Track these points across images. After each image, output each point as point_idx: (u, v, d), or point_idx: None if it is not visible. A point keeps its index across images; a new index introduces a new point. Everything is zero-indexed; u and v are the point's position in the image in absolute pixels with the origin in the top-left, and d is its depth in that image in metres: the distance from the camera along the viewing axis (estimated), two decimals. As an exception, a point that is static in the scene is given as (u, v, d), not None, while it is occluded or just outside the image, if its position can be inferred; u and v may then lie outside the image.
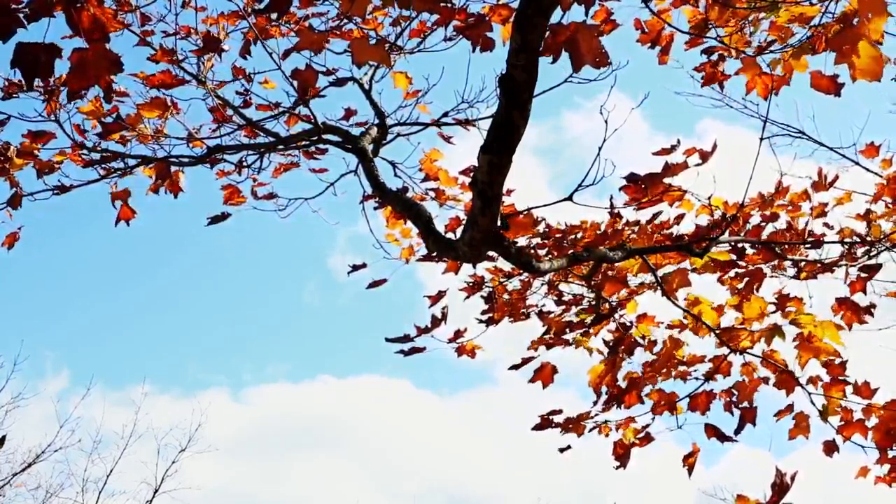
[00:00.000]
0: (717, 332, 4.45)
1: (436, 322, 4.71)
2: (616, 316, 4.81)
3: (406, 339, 4.67)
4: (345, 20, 4.53)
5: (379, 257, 5.13)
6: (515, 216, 3.85)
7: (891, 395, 4.23)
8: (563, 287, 4.95)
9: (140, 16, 4.42)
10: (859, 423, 4.22)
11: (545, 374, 4.80)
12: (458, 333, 4.83)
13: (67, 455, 17.54)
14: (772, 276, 4.82)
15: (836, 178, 4.94)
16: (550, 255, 4.53)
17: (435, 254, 4.43)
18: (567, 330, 4.86)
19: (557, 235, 4.68)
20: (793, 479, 3.25)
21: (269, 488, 21.24)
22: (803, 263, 4.78)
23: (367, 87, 4.71)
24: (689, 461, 4.36)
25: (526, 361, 4.80)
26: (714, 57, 4.09)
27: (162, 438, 15.77)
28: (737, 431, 4.40)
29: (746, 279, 4.61)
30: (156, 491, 15.10)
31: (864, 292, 4.71)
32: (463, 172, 5.02)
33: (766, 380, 4.44)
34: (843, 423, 4.23)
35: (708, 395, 4.47)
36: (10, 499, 14.02)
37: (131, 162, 4.34)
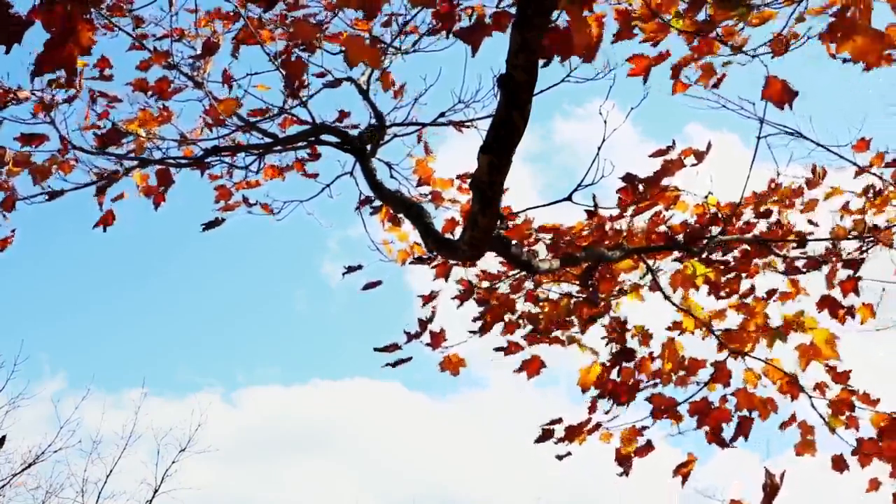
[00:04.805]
0: (718, 333, 4.45)
1: (423, 325, 4.69)
2: (611, 313, 4.81)
3: (394, 347, 4.64)
4: (334, 17, 4.49)
5: (372, 261, 5.10)
6: (513, 216, 3.86)
7: (890, 399, 4.20)
8: (553, 287, 4.93)
9: (134, 19, 4.41)
10: (873, 441, 4.15)
11: (532, 367, 4.79)
12: (437, 337, 4.74)
13: (67, 456, 17.34)
14: (763, 271, 4.84)
15: (825, 172, 4.98)
16: (548, 256, 4.53)
17: (434, 254, 4.43)
18: (558, 330, 4.84)
19: (552, 236, 4.67)
20: (782, 478, 3.26)
21: (265, 490, 21.19)
22: (796, 260, 4.81)
23: (364, 87, 4.70)
24: (683, 471, 4.33)
25: (514, 348, 4.78)
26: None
27: (162, 439, 15.71)
28: (732, 439, 4.38)
29: (734, 273, 4.62)
30: (156, 491, 15.04)
31: (857, 293, 4.72)
32: (460, 178, 5.00)
33: (769, 400, 4.40)
34: (856, 440, 4.15)
35: (708, 403, 4.44)
36: (10, 499, 13.94)
37: (128, 164, 4.32)
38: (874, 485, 4.35)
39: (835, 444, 4.26)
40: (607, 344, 4.71)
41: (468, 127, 5.02)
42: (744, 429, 4.37)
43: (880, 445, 4.09)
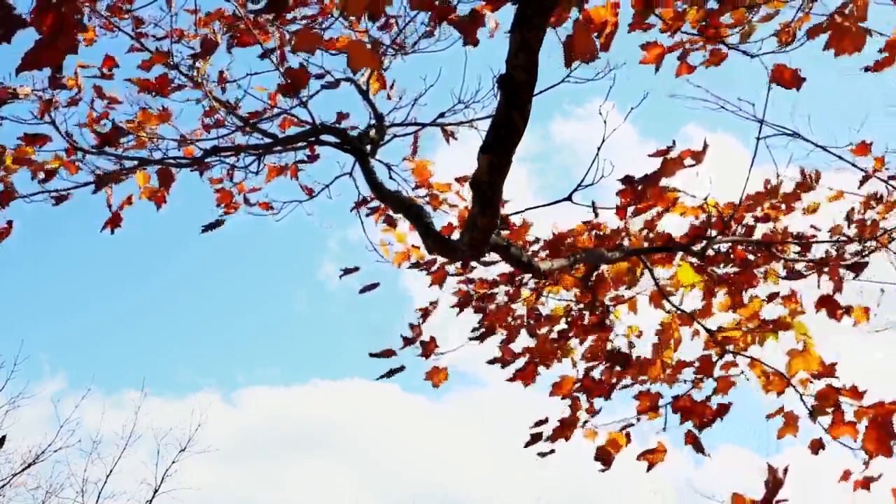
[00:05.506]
0: (712, 331, 4.46)
1: (416, 331, 4.69)
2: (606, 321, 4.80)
3: (390, 353, 4.63)
4: (333, 20, 4.49)
5: (370, 262, 5.10)
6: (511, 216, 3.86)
7: (884, 398, 4.20)
8: (551, 294, 4.92)
9: (134, 20, 4.42)
10: (850, 424, 4.14)
11: (526, 374, 4.78)
12: (428, 346, 4.71)
13: (67, 456, 17.30)
14: (764, 280, 4.84)
15: (819, 175, 4.98)
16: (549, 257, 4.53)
17: (434, 255, 4.42)
18: (556, 351, 4.84)
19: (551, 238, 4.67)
20: (785, 473, 3.25)
21: (265, 490, 21.17)
22: (795, 263, 4.81)
23: (364, 88, 4.70)
24: (648, 458, 4.27)
25: (508, 356, 4.78)
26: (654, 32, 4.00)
27: (162, 439, 15.69)
28: (709, 423, 4.38)
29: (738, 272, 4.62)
30: (156, 491, 15.03)
31: (840, 292, 4.74)
32: (458, 181, 5.00)
33: (750, 385, 4.43)
34: (832, 421, 4.20)
35: (692, 400, 4.44)
36: (10, 499, 13.93)
37: (128, 165, 4.33)
38: (847, 476, 4.29)
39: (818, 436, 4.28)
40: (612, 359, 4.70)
41: (456, 137, 5.03)
42: (719, 412, 4.37)
43: (857, 428, 4.09)
